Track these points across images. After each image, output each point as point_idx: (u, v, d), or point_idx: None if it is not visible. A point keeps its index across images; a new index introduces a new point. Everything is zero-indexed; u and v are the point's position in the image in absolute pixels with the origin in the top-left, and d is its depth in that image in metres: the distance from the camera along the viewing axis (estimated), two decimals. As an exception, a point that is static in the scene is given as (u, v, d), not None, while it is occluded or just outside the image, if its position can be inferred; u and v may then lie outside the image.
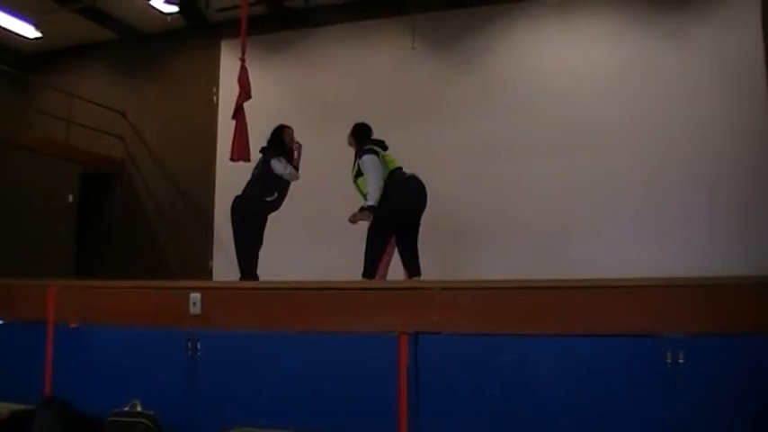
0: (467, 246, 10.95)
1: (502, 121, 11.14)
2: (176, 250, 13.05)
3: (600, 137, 10.62)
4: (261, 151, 8.48)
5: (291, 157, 8.50)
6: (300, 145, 8.53)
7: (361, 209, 7.79)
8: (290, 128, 8.57)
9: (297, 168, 8.44)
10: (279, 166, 8.26)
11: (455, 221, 10.86)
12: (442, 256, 10.18)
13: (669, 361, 4.53)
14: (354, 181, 8.02)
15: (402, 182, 7.91)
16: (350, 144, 8.28)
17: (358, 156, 8.02)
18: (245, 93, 8.65)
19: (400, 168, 8.05)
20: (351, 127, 8.38)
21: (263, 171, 8.33)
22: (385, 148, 8.15)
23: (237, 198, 8.31)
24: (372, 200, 7.67)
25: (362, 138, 8.19)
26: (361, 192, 7.95)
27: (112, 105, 13.85)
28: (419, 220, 8.11)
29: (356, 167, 8.00)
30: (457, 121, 11.38)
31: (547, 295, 5.01)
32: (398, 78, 11.79)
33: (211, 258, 12.41)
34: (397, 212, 7.77)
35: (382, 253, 7.91)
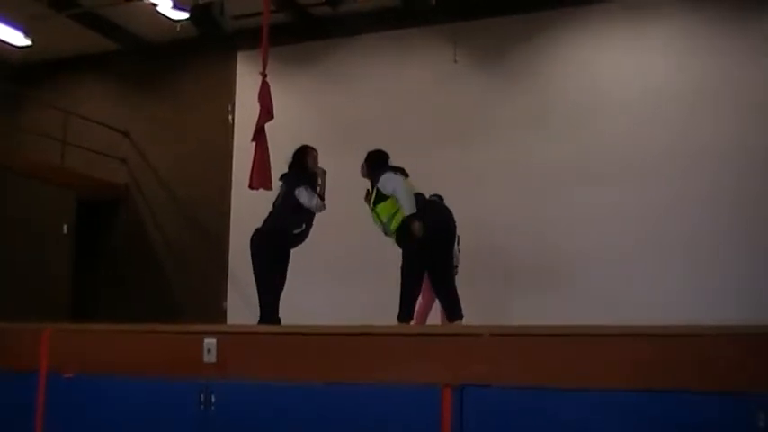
0: (517, 282, 10.93)
1: (556, 143, 11.16)
2: (186, 289, 13.11)
3: (672, 160, 10.57)
4: (281, 178, 8.44)
5: (315, 183, 8.41)
6: (324, 171, 8.42)
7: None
8: (314, 150, 8.49)
9: (322, 198, 8.33)
10: (304, 196, 8.17)
11: (502, 255, 10.91)
12: (488, 296, 10.24)
13: (762, 424, 4.38)
14: (373, 209, 8.07)
15: (426, 206, 8.01)
16: (363, 174, 8.33)
17: (375, 182, 8.09)
18: (266, 112, 8.68)
19: (421, 194, 8.14)
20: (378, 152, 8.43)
21: (286, 200, 8.27)
22: (405, 175, 8.19)
23: (258, 231, 8.24)
24: (410, 208, 7.74)
25: (379, 165, 8.24)
26: (381, 221, 8.03)
27: (115, 125, 14.02)
28: (452, 246, 8.21)
29: (374, 194, 8.07)
30: (504, 143, 11.43)
31: (612, 344, 4.92)
32: (438, 95, 11.87)
33: (225, 298, 12.47)
34: (426, 238, 7.77)
35: (419, 290, 8.00)
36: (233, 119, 12.87)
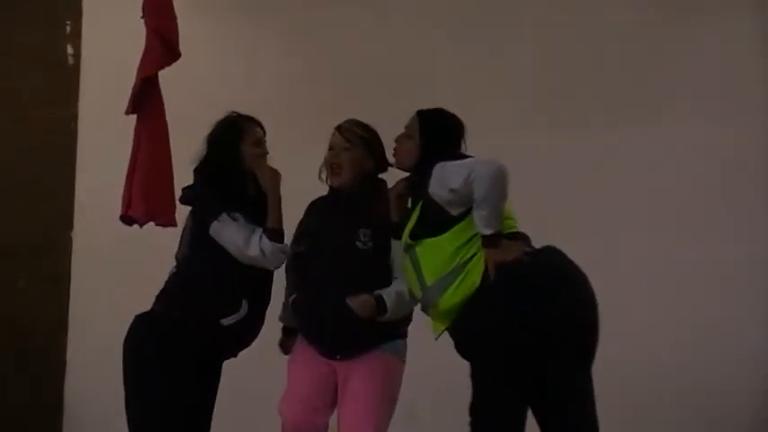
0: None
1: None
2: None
3: None
4: (182, 197, 7.13)
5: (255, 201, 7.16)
6: (276, 174, 7.05)
7: None
8: (255, 124, 7.19)
9: (277, 235, 6.84)
10: (231, 234, 6.76)
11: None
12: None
13: None
14: (413, 245, 6.62)
15: (526, 268, 6.51)
16: (398, 161, 7.02)
17: (423, 179, 6.67)
18: (162, 42, 7.32)
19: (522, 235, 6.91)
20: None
21: (194, 248, 6.94)
22: None
23: (141, 322, 6.83)
24: (494, 225, 6.38)
25: (441, 145, 6.93)
26: (423, 278, 6.58)
27: None
28: (590, 355, 6.65)
29: (418, 211, 6.66)
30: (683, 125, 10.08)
31: None
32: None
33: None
34: (521, 338, 6.34)
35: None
36: (77, 56, 11.71)
